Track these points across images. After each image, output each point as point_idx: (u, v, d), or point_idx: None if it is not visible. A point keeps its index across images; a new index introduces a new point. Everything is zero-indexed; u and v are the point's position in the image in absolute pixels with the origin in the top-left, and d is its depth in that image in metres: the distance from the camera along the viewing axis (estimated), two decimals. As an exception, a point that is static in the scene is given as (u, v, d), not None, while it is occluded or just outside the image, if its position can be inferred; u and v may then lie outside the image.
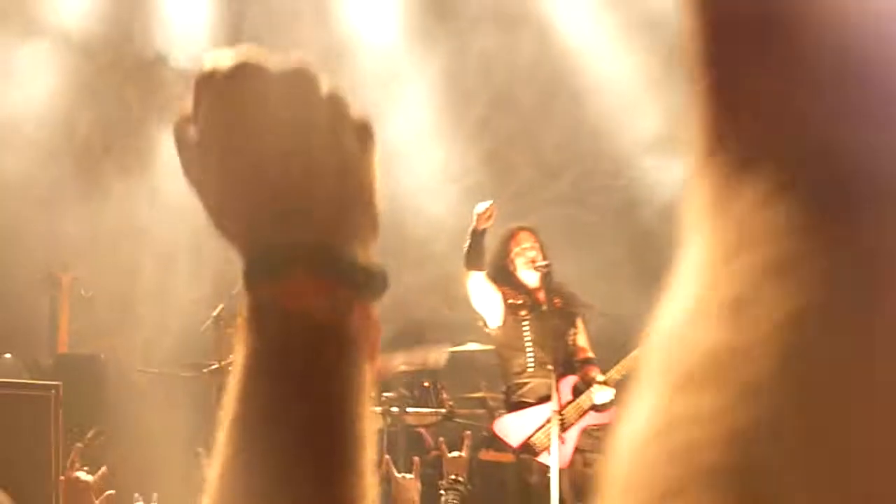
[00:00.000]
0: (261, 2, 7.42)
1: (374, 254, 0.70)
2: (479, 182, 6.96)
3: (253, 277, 0.67)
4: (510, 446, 4.97)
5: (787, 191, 0.32)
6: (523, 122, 7.29)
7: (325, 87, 0.71)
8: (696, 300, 0.32)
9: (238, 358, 0.68)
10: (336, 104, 0.71)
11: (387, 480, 4.79)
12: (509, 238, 5.06)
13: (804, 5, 0.32)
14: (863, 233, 0.31)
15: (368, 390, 0.68)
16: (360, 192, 0.71)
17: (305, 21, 7.19)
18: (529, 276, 4.96)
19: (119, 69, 7.22)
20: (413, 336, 6.38)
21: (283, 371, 0.67)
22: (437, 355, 5.52)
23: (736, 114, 0.34)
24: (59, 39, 7.10)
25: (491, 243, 4.95)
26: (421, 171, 7.12)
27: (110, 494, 3.13)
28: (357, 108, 0.72)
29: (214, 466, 0.65)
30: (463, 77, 7.30)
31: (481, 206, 4.78)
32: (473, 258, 4.84)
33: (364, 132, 0.72)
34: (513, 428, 4.99)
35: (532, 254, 4.95)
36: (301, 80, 0.70)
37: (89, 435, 5.51)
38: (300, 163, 0.69)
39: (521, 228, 5.11)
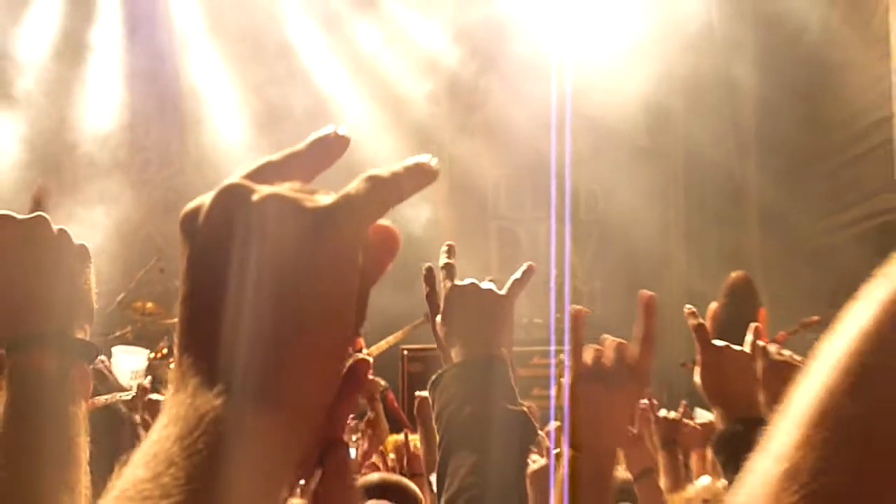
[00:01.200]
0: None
1: (89, 331, 0.97)
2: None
3: (10, 351, 0.94)
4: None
5: (202, 392, 0.44)
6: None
7: (55, 228, 0.96)
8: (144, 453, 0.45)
9: (2, 399, 0.92)
10: (63, 238, 0.96)
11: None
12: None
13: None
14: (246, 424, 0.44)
15: (84, 419, 0.94)
16: (81, 294, 0.98)
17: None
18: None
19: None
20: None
21: (29, 407, 0.91)
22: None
23: (193, 327, 0.46)
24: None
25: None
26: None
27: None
28: (77, 238, 0.94)
29: None
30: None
31: None
32: None
33: (83, 253, 0.98)
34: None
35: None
36: (37, 224, 0.95)
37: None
38: (38, 279, 0.95)
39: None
